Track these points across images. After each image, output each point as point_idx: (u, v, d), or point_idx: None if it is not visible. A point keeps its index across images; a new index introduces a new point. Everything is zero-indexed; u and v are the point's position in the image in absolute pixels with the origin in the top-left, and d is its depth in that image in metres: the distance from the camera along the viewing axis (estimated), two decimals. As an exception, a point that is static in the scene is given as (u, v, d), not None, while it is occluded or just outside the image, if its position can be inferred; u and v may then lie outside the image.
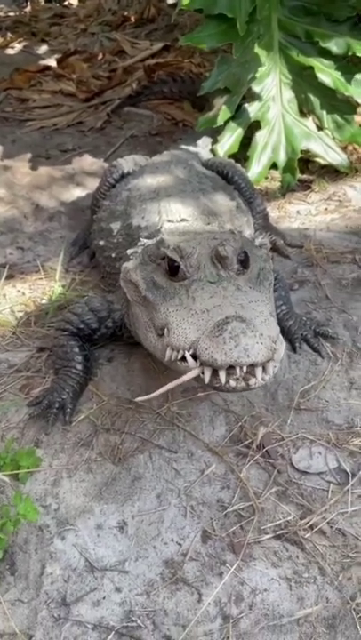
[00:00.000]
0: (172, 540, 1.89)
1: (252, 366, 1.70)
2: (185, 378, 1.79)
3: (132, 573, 1.81)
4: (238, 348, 1.67)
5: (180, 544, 1.88)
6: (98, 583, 1.79)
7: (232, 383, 1.73)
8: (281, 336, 1.84)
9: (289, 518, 1.94)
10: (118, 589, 1.78)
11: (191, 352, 1.76)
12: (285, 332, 2.58)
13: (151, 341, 2.05)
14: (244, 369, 1.69)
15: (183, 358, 1.78)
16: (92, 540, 1.90)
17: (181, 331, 1.81)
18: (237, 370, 1.69)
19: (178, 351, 1.80)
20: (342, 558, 1.83)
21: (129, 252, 2.31)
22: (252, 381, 1.73)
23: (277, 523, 1.93)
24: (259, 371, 1.72)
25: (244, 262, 2.03)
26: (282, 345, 1.80)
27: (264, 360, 1.70)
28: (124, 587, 1.78)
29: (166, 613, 1.72)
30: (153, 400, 2.35)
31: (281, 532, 1.90)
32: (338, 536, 1.89)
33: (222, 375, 1.71)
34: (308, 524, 1.91)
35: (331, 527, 1.91)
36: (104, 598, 1.76)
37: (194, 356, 1.75)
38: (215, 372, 1.72)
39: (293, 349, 2.54)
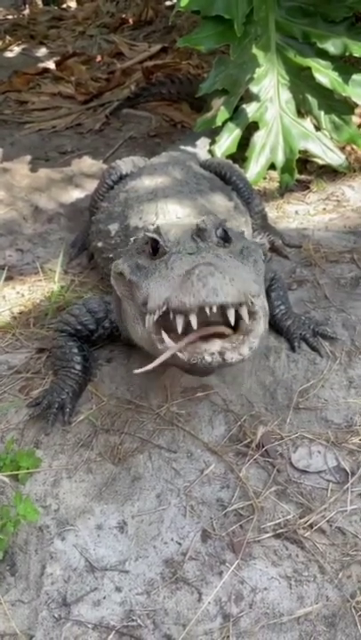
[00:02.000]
0: (172, 539, 1.90)
1: (223, 309, 1.69)
2: (165, 355, 1.80)
3: (132, 573, 1.81)
4: (206, 287, 1.67)
5: (179, 543, 1.88)
6: (98, 583, 1.79)
7: (207, 358, 1.74)
8: (265, 310, 1.85)
9: (289, 517, 1.94)
10: (118, 589, 1.78)
11: (164, 308, 1.76)
12: (284, 332, 2.59)
13: (138, 332, 2.05)
14: (215, 309, 1.68)
15: (162, 341, 1.80)
16: (92, 540, 1.90)
17: (157, 294, 1.82)
18: (207, 310, 1.68)
19: (154, 313, 1.81)
20: (342, 557, 1.83)
21: (122, 251, 2.35)
22: (227, 355, 1.74)
23: (277, 522, 1.93)
24: (232, 313, 1.72)
25: (224, 238, 2.05)
26: (263, 317, 1.82)
27: (235, 302, 1.70)
28: (125, 586, 1.78)
29: (166, 613, 1.72)
30: (152, 400, 2.36)
31: (281, 530, 1.90)
32: (337, 534, 1.89)
33: (193, 319, 1.71)
34: (308, 523, 1.91)
35: (330, 526, 1.91)
36: (104, 598, 1.76)
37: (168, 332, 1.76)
38: (193, 352, 1.73)
39: (292, 349, 2.55)
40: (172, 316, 1.76)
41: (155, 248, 2.04)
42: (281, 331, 2.60)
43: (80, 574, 1.82)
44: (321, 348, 2.54)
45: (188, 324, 1.73)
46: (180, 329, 1.75)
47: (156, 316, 1.81)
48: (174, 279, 1.82)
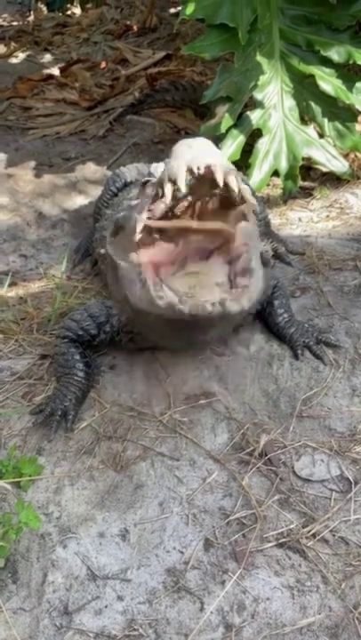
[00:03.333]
0: (175, 548, 1.89)
1: (209, 169, 1.73)
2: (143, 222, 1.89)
3: (134, 582, 1.81)
4: (192, 150, 1.75)
5: (182, 552, 1.88)
6: (100, 592, 1.79)
7: (208, 307, 1.76)
8: (258, 271, 1.91)
9: (291, 526, 1.93)
10: (120, 598, 1.77)
11: (156, 179, 1.86)
12: (287, 340, 2.59)
13: (136, 293, 1.97)
14: (202, 169, 1.72)
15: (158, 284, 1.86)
16: (94, 548, 1.89)
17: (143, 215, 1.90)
18: (194, 169, 1.72)
19: (141, 220, 1.88)
20: (345, 567, 1.83)
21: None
22: (227, 304, 1.76)
23: (280, 531, 1.92)
24: (220, 173, 1.73)
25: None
26: (259, 270, 1.89)
27: (223, 165, 1.74)
28: (126, 595, 1.78)
29: (168, 622, 1.71)
30: (155, 407, 2.36)
31: (283, 540, 1.89)
32: (341, 544, 1.89)
33: (181, 178, 1.73)
34: (311, 533, 1.90)
35: (333, 535, 1.90)
36: (106, 607, 1.75)
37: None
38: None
39: (296, 356, 2.54)
40: (160, 192, 1.80)
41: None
42: (284, 338, 2.60)
43: (82, 582, 1.81)
44: (324, 355, 2.54)
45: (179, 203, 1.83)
46: (168, 198, 1.78)
47: (142, 224, 1.87)
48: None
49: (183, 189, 1.76)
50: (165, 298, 1.83)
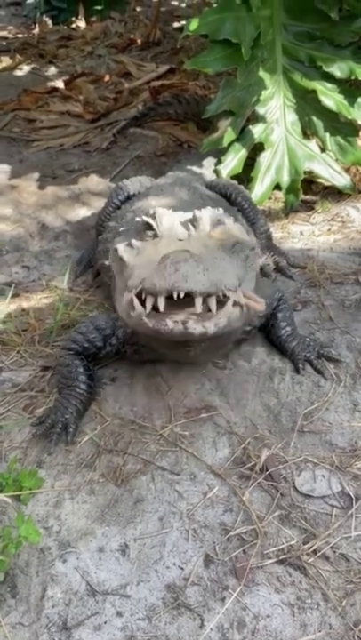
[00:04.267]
0: (175, 563, 1.88)
1: (189, 296, 1.77)
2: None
3: (133, 597, 1.80)
4: (177, 273, 1.75)
5: (182, 568, 1.87)
6: (99, 607, 1.78)
7: (170, 325, 1.80)
8: (239, 294, 1.92)
9: (292, 543, 1.92)
10: (120, 614, 1.76)
11: (140, 287, 1.86)
12: (289, 354, 2.59)
13: (121, 303, 2.09)
14: (182, 294, 1.76)
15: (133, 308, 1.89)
16: (93, 562, 1.89)
17: (138, 274, 1.91)
18: (174, 295, 1.76)
19: (131, 291, 1.89)
20: (346, 584, 1.81)
21: (121, 229, 2.50)
22: (189, 324, 1.79)
23: (280, 547, 1.91)
24: (198, 302, 1.78)
25: (218, 230, 2.13)
26: (237, 305, 1.90)
27: (204, 290, 1.76)
28: (126, 611, 1.77)
29: (168, 639, 1.70)
30: (156, 420, 2.36)
31: (284, 556, 1.88)
32: (341, 561, 1.87)
33: (161, 301, 1.79)
34: (312, 549, 1.89)
35: (334, 552, 1.89)
36: (105, 623, 1.74)
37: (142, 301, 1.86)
38: (159, 317, 1.81)
39: (297, 371, 2.55)
40: (143, 295, 1.85)
41: (148, 229, 2.16)
42: (285, 352, 2.60)
43: (81, 598, 1.80)
44: (325, 370, 2.54)
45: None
46: (148, 308, 1.83)
47: (132, 294, 1.89)
48: (156, 261, 1.90)
49: (162, 309, 1.82)
50: (135, 311, 1.88)
